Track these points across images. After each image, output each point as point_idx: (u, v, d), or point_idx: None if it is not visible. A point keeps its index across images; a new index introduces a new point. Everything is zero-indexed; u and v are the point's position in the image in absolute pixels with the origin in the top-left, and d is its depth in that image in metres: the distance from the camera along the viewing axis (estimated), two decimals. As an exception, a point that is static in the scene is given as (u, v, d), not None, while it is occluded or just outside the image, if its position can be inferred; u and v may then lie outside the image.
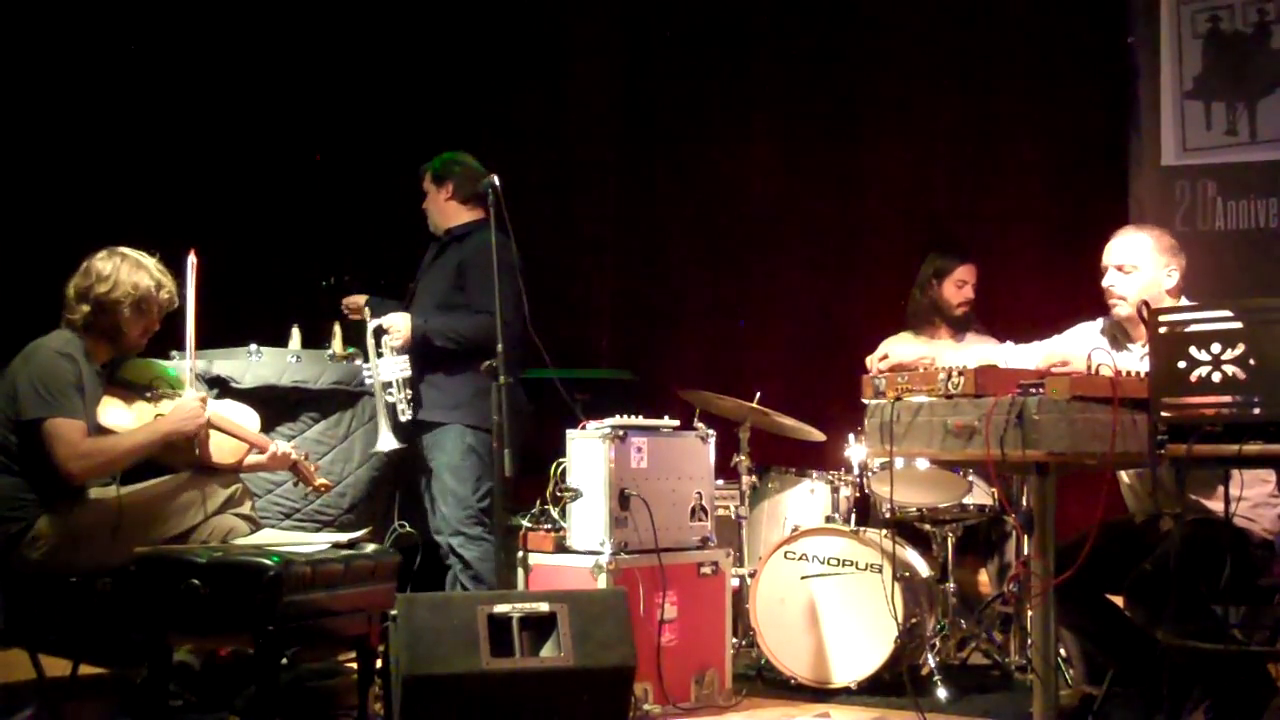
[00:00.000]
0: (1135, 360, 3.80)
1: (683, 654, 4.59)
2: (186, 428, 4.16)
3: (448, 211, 5.20)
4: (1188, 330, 3.03)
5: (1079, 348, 3.65)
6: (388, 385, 4.90)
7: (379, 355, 4.94)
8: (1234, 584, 3.48)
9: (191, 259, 4.26)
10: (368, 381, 4.96)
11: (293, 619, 3.82)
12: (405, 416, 4.92)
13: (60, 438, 3.98)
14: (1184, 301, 3.96)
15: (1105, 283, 3.99)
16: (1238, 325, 2.97)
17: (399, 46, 7.23)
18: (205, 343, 4.38)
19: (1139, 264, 3.94)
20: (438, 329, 4.95)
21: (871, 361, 3.76)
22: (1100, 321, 4.14)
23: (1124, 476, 4.03)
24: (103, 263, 4.20)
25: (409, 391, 4.92)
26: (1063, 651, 4.37)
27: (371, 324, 4.97)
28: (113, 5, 6.24)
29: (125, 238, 4.32)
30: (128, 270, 4.19)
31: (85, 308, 4.17)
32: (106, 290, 4.15)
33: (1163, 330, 3.08)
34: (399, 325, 4.96)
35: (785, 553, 4.99)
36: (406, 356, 4.93)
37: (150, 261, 4.25)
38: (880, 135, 6.78)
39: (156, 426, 4.14)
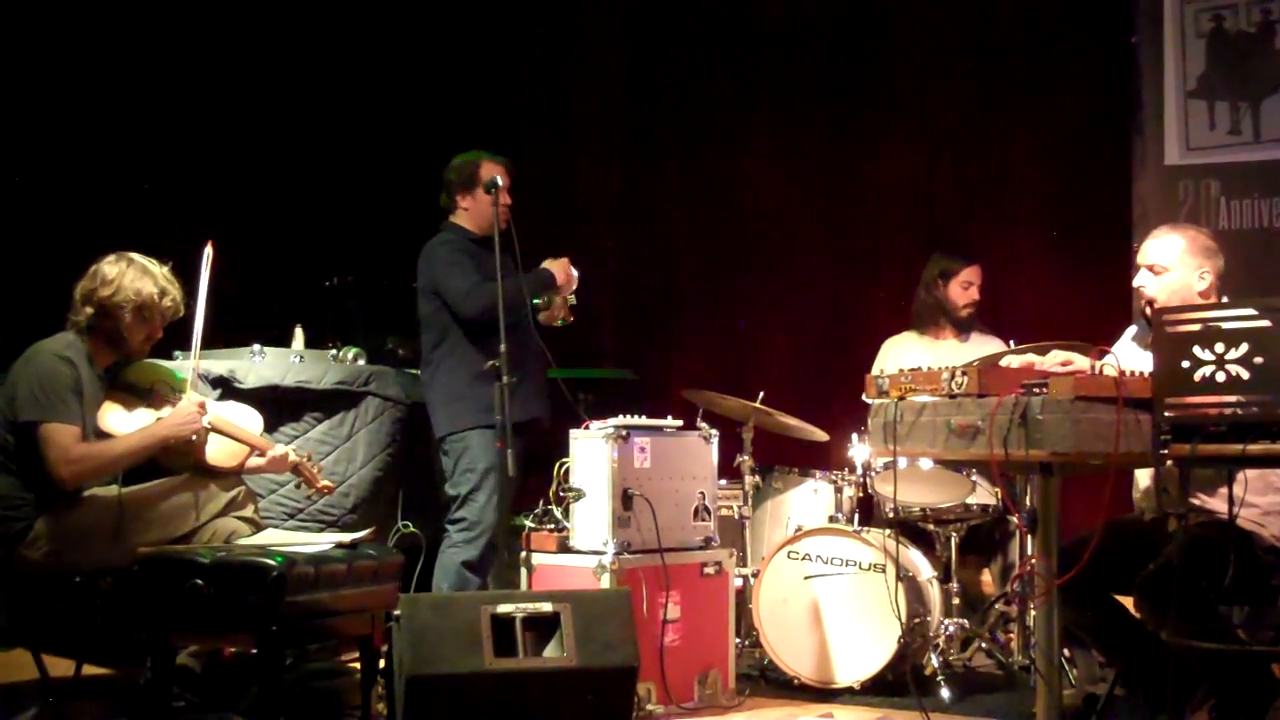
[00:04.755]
0: None
1: (686, 654, 4.59)
2: (182, 432, 4.15)
3: None
4: (1192, 329, 3.02)
5: (1122, 352, 3.62)
6: None
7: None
8: (1239, 584, 3.48)
9: (208, 251, 4.26)
10: None
11: (296, 619, 3.83)
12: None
13: (53, 443, 3.99)
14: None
15: (1136, 283, 3.97)
16: (1242, 324, 2.97)
17: (400, 46, 7.23)
18: (208, 342, 4.38)
19: (1170, 265, 3.90)
20: None
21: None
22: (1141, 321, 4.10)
23: (1141, 478, 4.02)
24: (109, 267, 4.20)
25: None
26: (1066, 652, 4.37)
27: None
28: (111, 7, 6.24)
29: (130, 238, 4.33)
30: (132, 276, 4.19)
31: (89, 310, 4.18)
32: (109, 294, 4.16)
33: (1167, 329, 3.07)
34: None
35: (788, 553, 4.99)
36: None
37: (158, 269, 4.25)
38: (884, 135, 6.78)
39: (152, 431, 4.14)
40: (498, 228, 4.59)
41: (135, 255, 4.25)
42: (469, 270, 4.90)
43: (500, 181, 4.70)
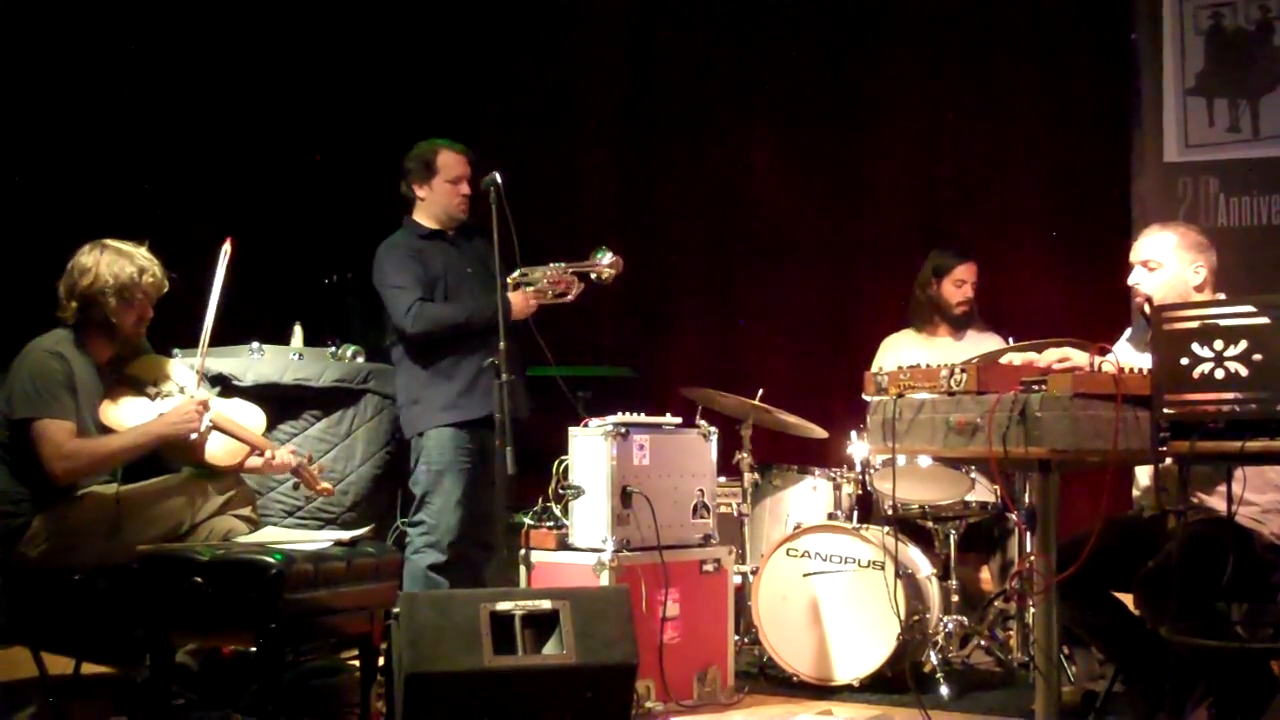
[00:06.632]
0: None
1: (685, 651, 4.59)
2: (179, 430, 4.14)
3: None
4: (1190, 326, 3.02)
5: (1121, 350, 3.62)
6: None
7: None
8: (1238, 582, 3.48)
9: (226, 247, 4.26)
10: None
11: (295, 617, 3.83)
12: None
13: (47, 439, 3.99)
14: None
15: (1130, 280, 3.97)
16: (1241, 321, 2.97)
17: (399, 45, 7.22)
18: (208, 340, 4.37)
19: (1164, 261, 3.91)
20: None
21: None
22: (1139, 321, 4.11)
23: (1141, 475, 4.02)
24: (85, 257, 4.20)
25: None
26: (1065, 649, 4.37)
27: None
28: (110, 7, 6.24)
29: (131, 238, 4.31)
30: (109, 260, 4.17)
31: (74, 304, 4.17)
32: (89, 283, 4.15)
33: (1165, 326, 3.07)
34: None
35: (787, 550, 4.99)
36: None
37: (135, 250, 4.23)
38: (883, 133, 6.77)
39: (148, 428, 4.13)
40: (496, 229, 4.54)
41: (110, 241, 4.23)
42: (410, 283, 4.85)
43: (498, 179, 4.67)
